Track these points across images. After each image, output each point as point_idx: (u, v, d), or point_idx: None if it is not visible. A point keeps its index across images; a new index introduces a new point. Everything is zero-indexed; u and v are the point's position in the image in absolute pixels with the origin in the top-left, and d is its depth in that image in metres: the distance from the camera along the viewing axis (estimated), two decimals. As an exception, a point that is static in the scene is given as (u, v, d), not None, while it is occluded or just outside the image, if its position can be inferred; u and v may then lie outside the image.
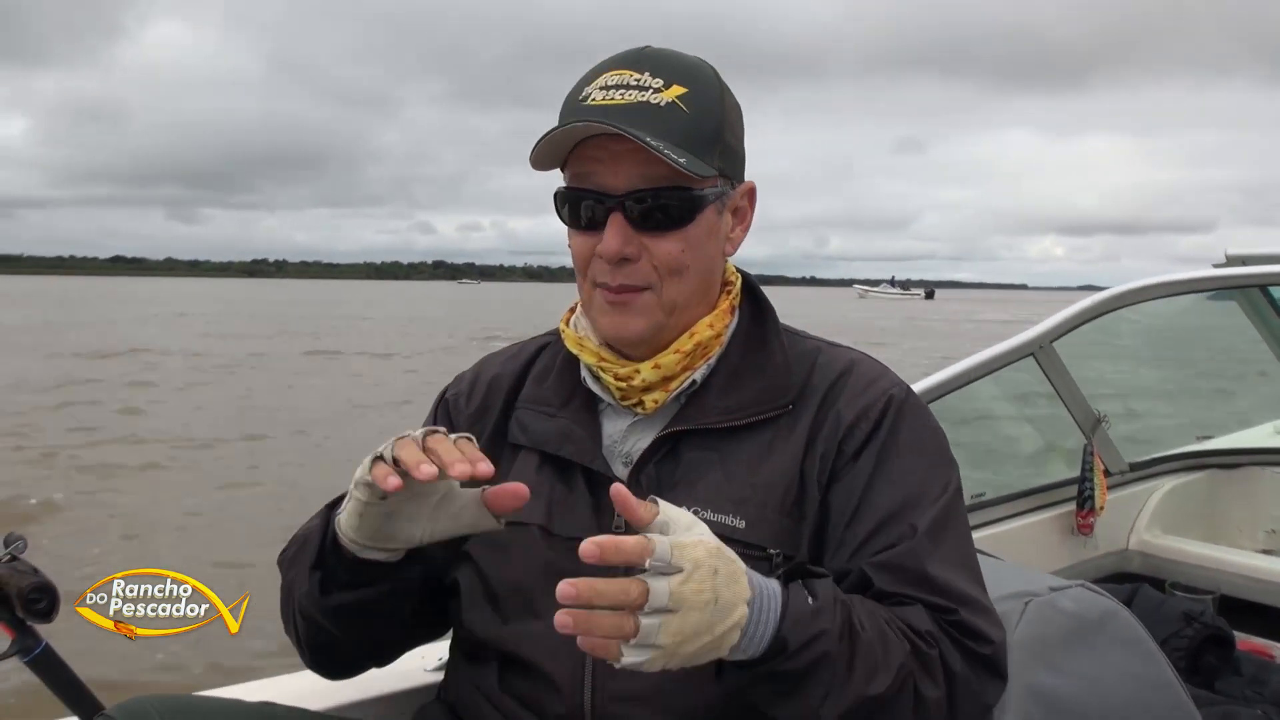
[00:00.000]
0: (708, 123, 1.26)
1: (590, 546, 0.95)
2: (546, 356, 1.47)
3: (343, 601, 1.25)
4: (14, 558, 1.40)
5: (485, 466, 1.06)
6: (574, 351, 1.39)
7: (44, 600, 1.38)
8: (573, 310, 1.44)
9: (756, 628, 1.04)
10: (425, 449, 1.09)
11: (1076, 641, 1.38)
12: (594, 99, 1.24)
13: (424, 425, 1.48)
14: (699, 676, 1.21)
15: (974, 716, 1.19)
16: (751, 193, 1.37)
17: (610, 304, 1.31)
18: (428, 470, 1.05)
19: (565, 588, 0.94)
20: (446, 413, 1.48)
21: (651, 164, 1.22)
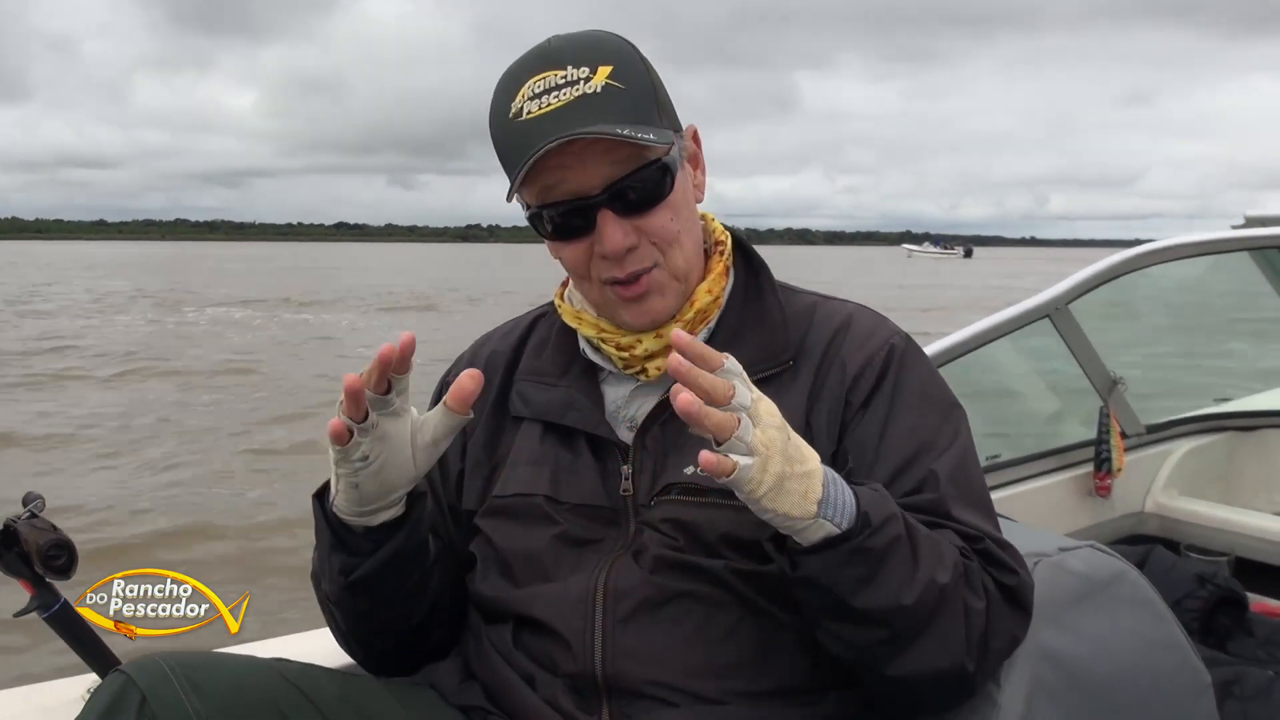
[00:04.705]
0: (643, 88, 1.25)
1: (676, 336, 1.03)
2: (542, 328, 1.48)
3: (371, 569, 1.26)
4: (33, 515, 1.42)
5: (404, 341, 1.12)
6: (572, 325, 1.40)
7: (63, 557, 1.40)
8: (565, 284, 1.44)
9: (837, 494, 1.09)
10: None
11: (1085, 602, 1.38)
12: (530, 111, 1.22)
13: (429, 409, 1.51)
14: (706, 633, 1.23)
15: (1002, 648, 1.21)
16: (695, 135, 1.36)
17: (629, 299, 1.30)
18: (372, 375, 1.12)
19: (675, 360, 1.00)
20: None
21: (615, 151, 1.22)
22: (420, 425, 1.19)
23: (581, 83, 1.21)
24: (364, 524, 1.24)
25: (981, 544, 1.20)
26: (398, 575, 1.29)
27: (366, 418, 1.13)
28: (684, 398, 0.98)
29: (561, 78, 1.22)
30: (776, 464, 1.03)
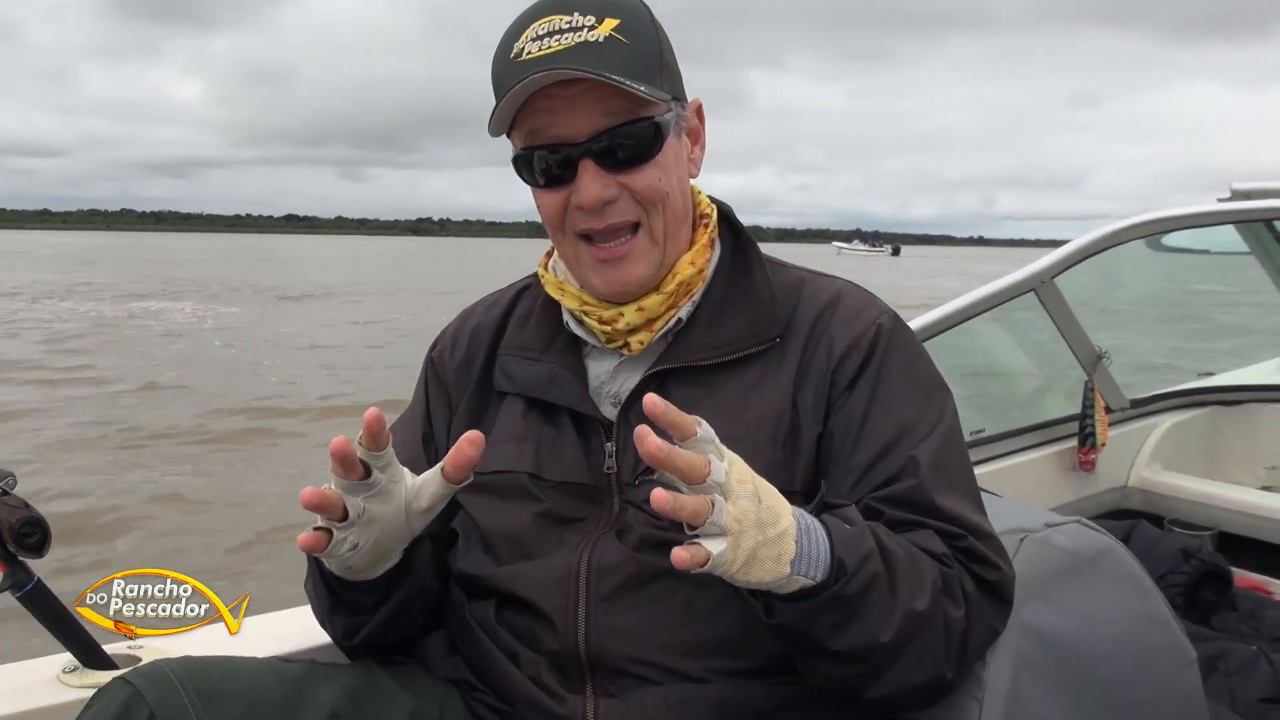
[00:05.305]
0: (648, 48, 1.24)
1: (650, 403, 0.98)
2: (526, 301, 1.46)
3: (375, 626, 1.29)
4: (4, 492, 1.39)
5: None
6: (555, 297, 1.38)
7: (35, 535, 1.38)
8: (550, 254, 1.42)
9: (810, 545, 1.05)
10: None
11: (1071, 577, 1.37)
12: (530, 52, 1.20)
13: (417, 387, 1.49)
14: (690, 611, 1.22)
15: (983, 643, 1.21)
16: (700, 110, 1.35)
17: (603, 261, 1.28)
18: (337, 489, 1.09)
19: (651, 443, 0.95)
20: (435, 371, 1.48)
21: (608, 101, 1.20)
22: (416, 492, 1.15)
23: (585, 30, 1.20)
24: (362, 579, 1.23)
25: (964, 540, 1.19)
26: (401, 619, 1.31)
27: (346, 516, 1.10)
28: (659, 495, 0.95)
29: (566, 23, 1.20)
30: (749, 539, 1.00)
